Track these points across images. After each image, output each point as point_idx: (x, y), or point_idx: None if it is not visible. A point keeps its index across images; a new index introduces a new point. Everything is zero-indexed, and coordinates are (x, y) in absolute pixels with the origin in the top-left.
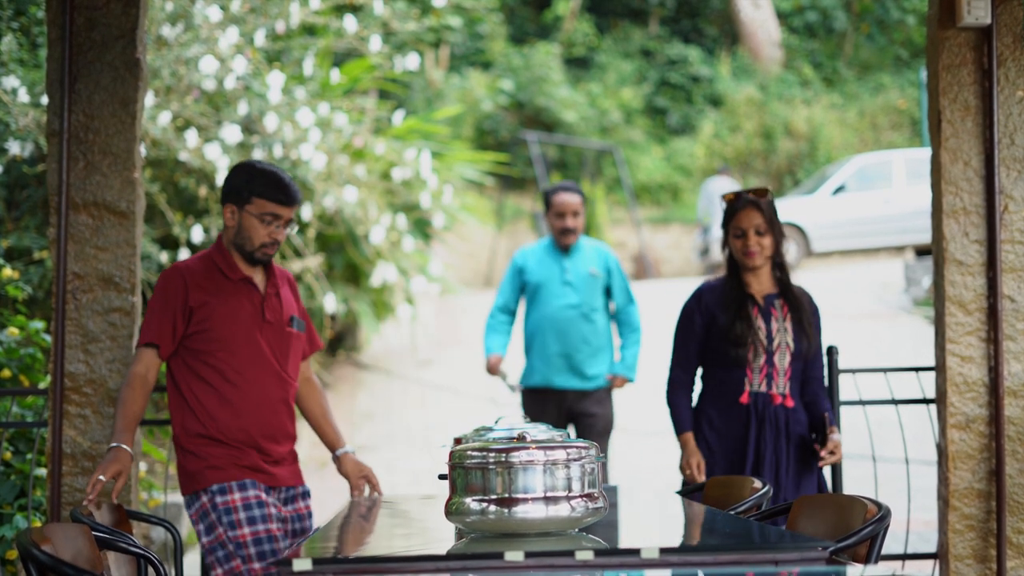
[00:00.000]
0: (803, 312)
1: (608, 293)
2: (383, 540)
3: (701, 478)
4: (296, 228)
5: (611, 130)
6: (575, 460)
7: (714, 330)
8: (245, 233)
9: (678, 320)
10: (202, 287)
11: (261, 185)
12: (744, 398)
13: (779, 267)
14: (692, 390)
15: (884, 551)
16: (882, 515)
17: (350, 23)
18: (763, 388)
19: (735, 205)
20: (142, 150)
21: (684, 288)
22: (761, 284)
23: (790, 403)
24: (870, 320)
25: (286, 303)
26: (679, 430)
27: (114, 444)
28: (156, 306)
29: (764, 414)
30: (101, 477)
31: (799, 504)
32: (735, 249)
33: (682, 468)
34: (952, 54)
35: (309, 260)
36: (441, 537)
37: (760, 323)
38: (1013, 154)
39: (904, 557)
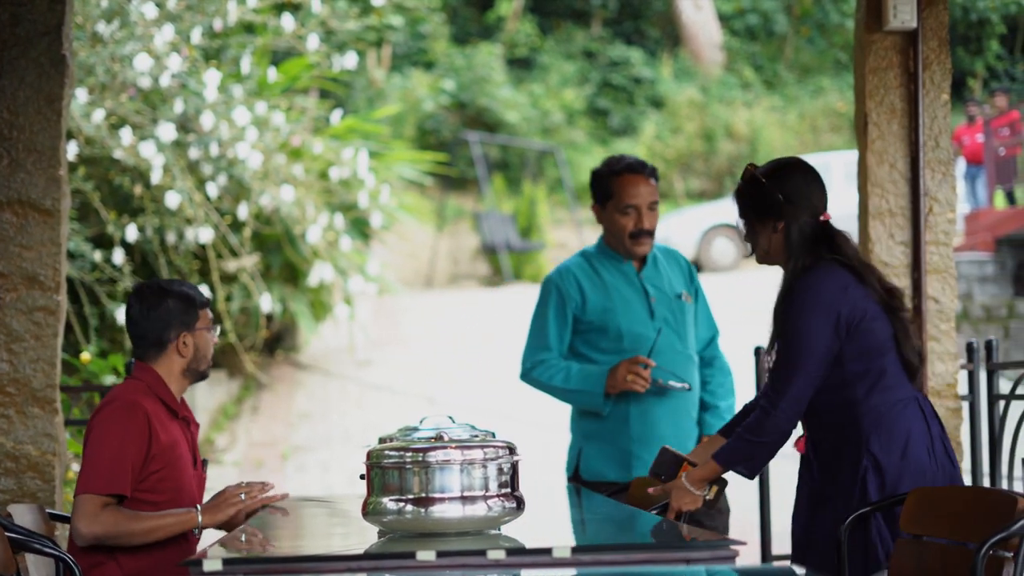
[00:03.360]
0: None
1: None
2: (321, 540)
3: None
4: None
5: (553, 131)
6: (492, 460)
7: None
8: (202, 351)
9: None
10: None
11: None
12: None
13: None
14: None
15: None
16: None
17: (288, 22)
18: None
19: None
20: (73, 148)
21: None
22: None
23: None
24: None
25: None
26: None
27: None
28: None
29: None
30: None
31: None
32: None
33: None
34: (879, 57)
35: (245, 259)
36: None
37: None
38: (938, 156)
39: None
